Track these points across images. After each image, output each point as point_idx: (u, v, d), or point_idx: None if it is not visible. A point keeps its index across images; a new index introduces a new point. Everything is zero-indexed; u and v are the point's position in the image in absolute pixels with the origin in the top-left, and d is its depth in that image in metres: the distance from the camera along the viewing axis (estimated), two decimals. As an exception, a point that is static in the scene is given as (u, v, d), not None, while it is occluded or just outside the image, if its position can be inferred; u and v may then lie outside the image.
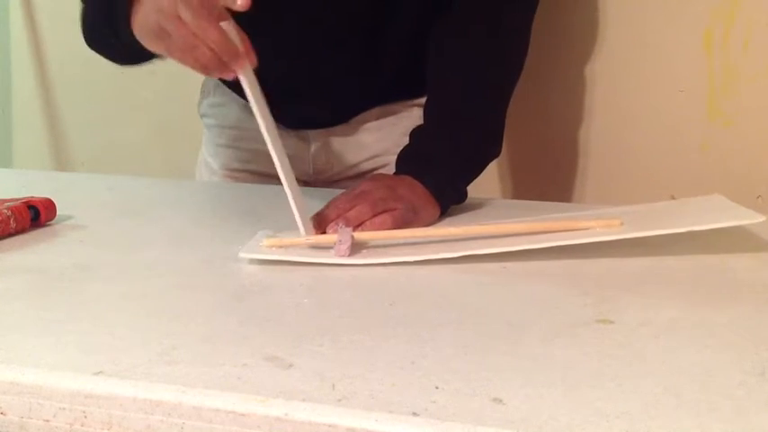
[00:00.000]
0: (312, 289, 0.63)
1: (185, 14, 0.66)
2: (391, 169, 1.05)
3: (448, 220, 0.85)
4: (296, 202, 0.71)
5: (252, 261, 0.69)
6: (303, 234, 0.72)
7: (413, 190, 0.82)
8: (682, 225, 0.66)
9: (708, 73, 1.11)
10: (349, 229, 0.72)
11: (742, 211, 0.69)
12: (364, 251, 0.70)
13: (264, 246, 0.71)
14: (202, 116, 1.16)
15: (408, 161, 0.89)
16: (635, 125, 1.17)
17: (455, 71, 0.91)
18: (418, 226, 0.78)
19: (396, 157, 1.05)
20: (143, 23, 0.71)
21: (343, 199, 0.78)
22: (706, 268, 0.66)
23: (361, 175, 1.07)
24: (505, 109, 0.93)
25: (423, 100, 1.06)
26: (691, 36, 1.11)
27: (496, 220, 0.70)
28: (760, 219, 0.66)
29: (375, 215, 0.76)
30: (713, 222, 0.66)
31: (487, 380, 0.45)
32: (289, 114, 1.04)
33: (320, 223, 0.75)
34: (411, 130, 0.92)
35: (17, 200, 0.81)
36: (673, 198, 1.12)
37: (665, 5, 1.11)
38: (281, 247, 0.71)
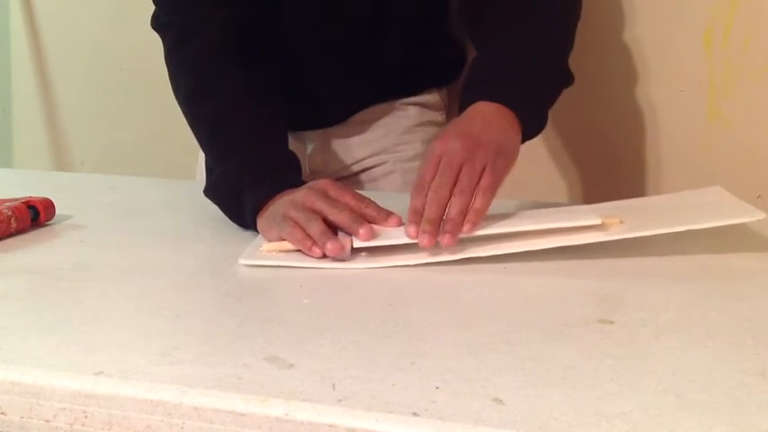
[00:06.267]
0: (312, 289, 0.63)
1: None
2: (388, 168, 1.06)
3: None
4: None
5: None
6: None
7: (489, 122, 0.74)
8: (683, 223, 0.66)
9: (708, 73, 1.11)
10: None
11: (742, 206, 0.69)
12: (364, 254, 0.69)
13: (264, 251, 0.71)
14: None
15: (476, 85, 0.79)
16: (635, 125, 1.17)
17: (506, 18, 0.84)
18: (510, 166, 0.73)
19: (392, 156, 1.06)
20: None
21: (427, 184, 0.70)
22: (706, 268, 0.66)
23: (358, 174, 1.07)
24: (567, 50, 0.85)
25: (419, 98, 1.07)
26: (691, 36, 1.11)
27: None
28: (761, 216, 0.65)
29: (472, 199, 0.69)
30: (714, 220, 0.66)
31: (487, 380, 0.45)
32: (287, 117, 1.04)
33: (417, 218, 0.68)
34: (472, 60, 0.84)
35: (16, 200, 0.81)
36: (673, 198, 1.11)
37: (665, 5, 1.11)
38: (280, 251, 0.71)
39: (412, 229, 0.67)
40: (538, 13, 0.83)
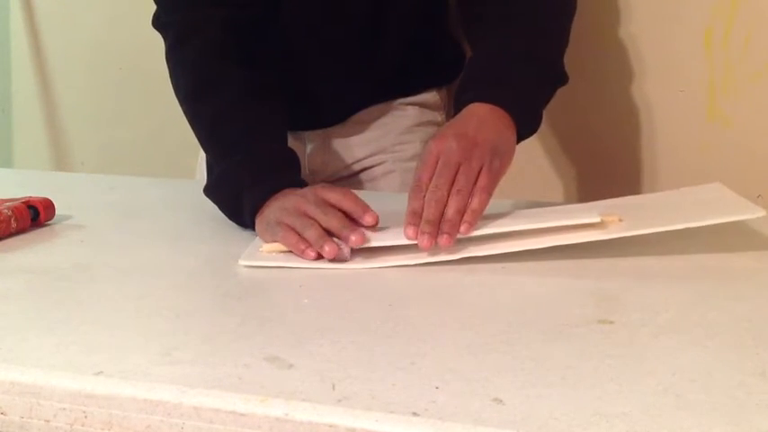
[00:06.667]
0: (312, 289, 0.63)
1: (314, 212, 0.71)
2: (387, 168, 1.06)
3: None
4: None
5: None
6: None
7: (484, 123, 0.74)
8: (682, 221, 0.66)
9: (708, 73, 1.11)
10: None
11: (743, 203, 0.68)
12: (364, 254, 0.69)
13: (264, 251, 0.71)
14: None
15: (471, 86, 0.79)
16: (635, 125, 1.17)
17: (502, 18, 0.84)
18: (506, 166, 0.73)
19: (391, 156, 1.06)
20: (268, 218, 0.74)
21: (425, 185, 0.70)
22: (706, 268, 0.66)
23: (357, 174, 1.07)
24: (562, 50, 0.85)
25: (417, 98, 1.07)
26: (691, 36, 1.11)
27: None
28: (761, 213, 0.65)
29: (469, 199, 0.68)
30: (715, 218, 0.66)
31: (487, 380, 0.45)
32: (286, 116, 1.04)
33: (415, 219, 0.68)
34: (467, 60, 0.84)
35: (16, 200, 0.81)
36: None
37: (666, 5, 1.11)
38: (280, 252, 0.70)
39: (411, 231, 0.67)
40: (533, 13, 0.84)
